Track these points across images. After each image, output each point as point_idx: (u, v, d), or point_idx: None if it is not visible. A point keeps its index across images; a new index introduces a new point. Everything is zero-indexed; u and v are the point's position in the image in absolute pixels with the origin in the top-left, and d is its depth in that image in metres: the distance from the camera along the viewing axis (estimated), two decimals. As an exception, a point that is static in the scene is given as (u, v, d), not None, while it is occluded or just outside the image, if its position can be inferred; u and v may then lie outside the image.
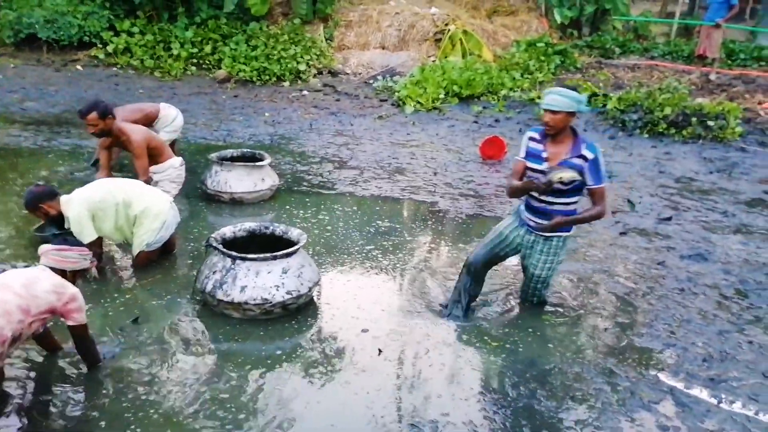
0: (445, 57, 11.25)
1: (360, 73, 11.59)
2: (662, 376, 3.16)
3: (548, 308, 3.90)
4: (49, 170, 6.29)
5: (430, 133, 8.66)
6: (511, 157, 7.52)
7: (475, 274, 3.76)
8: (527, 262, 3.72)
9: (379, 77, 11.10)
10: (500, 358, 3.35)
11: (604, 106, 9.29)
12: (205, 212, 5.44)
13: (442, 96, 9.97)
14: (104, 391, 2.91)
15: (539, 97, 9.81)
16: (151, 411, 2.79)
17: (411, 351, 3.38)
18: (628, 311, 3.92)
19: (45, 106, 9.14)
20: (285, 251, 3.52)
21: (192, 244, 4.67)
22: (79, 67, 11.08)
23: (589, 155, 3.32)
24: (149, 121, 6.18)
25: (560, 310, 3.90)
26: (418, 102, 9.83)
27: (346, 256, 4.60)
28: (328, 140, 8.06)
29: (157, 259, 4.23)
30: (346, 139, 8.13)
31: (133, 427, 2.69)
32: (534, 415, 2.86)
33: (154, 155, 4.86)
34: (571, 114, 3.33)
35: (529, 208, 3.56)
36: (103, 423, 2.70)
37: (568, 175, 3.23)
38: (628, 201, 6.05)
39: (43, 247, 2.92)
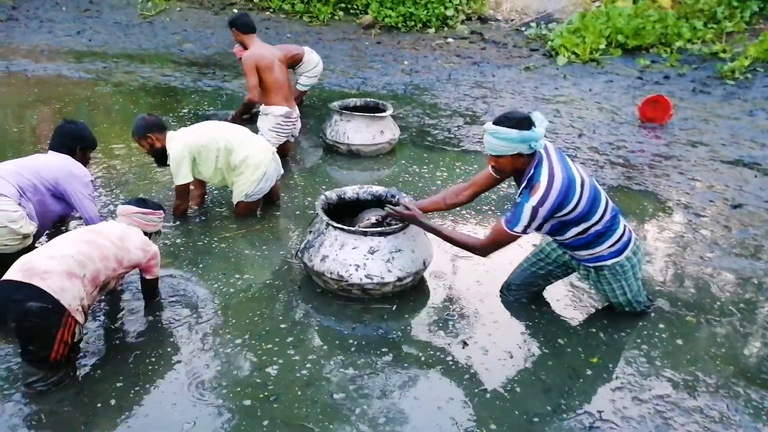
0: (612, 1, 9.86)
1: (512, 20, 10.64)
2: None
3: (691, 311, 3.15)
4: (189, 110, 6.52)
5: (583, 89, 7.67)
6: (676, 121, 6.38)
7: (514, 300, 3.21)
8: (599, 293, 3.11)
9: (533, 24, 10.08)
10: (620, 365, 2.74)
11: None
12: (320, 163, 5.25)
13: (603, 46, 8.79)
14: (164, 324, 2.85)
15: (724, 51, 8.23)
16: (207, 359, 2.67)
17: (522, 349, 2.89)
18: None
19: (199, 48, 9.59)
20: (378, 229, 3.08)
21: (296, 194, 4.51)
22: (235, 11, 11.45)
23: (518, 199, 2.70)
24: (294, 62, 6.14)
25: (711, 317, 3.12)
26: (574, 53, 8.76)
27: (456, 224, 4.13)
28: (464, 92, 7.47)
29: (259, 210, 4.12)
30: (485, 92, 7.47)
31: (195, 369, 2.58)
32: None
33: (264, 91, 4.72)
34: (521, 155, 2.63)
35: None
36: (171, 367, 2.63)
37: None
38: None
39: (126, 209, 2.94)
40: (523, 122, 2.55)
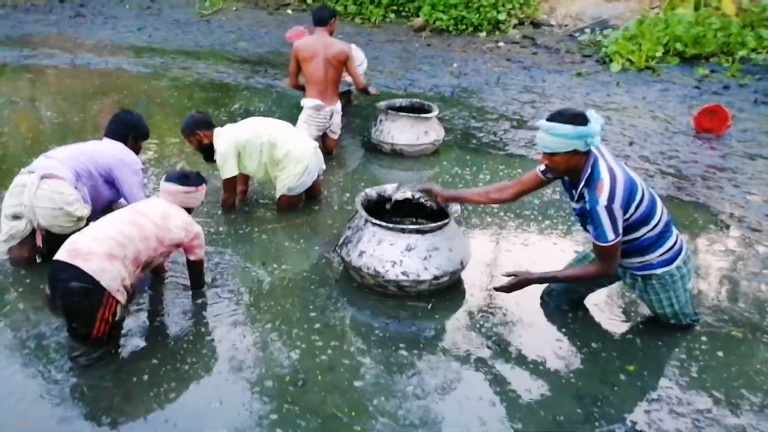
0: (672, 9, 9.55)
1: (566, 25, 10.45)
2: None
3: (739, 326, 3.01)
4: (240, 105, 6.68)
5: (636, 96, 7.46)
6: (735, 133, 6.12)
7: (554, 307, 3.12)
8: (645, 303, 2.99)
9: (587, 30, 9.86)
10: (657, 376, 2.65)
11: None
12: (363, 161, 5.30)
13: (659, 54, 8.52)
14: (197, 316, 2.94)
15: (791, 61, 7.86)
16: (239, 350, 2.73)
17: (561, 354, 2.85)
18: None
19: (253, 47, 9.81)
20: (414, 226, 3.10)
21: (337, 191, 4.56)
22: (289, 11, 11.69)
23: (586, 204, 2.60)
24: None
25: (760, 333, 2.98)
26: (629, 60, 8.53)
27: (496, 227, 4.09)
28: (512, 96, 7.38)
29: (301, 204, 4.19)
30: (533, 97, 7.37)
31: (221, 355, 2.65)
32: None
33: (306, 81, 4.97)
34: (577, 153, 2.53)
35: None
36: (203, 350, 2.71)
37: None
38: None
39: (169, 188, 2.98)
40: (578, 118, 2.50)
